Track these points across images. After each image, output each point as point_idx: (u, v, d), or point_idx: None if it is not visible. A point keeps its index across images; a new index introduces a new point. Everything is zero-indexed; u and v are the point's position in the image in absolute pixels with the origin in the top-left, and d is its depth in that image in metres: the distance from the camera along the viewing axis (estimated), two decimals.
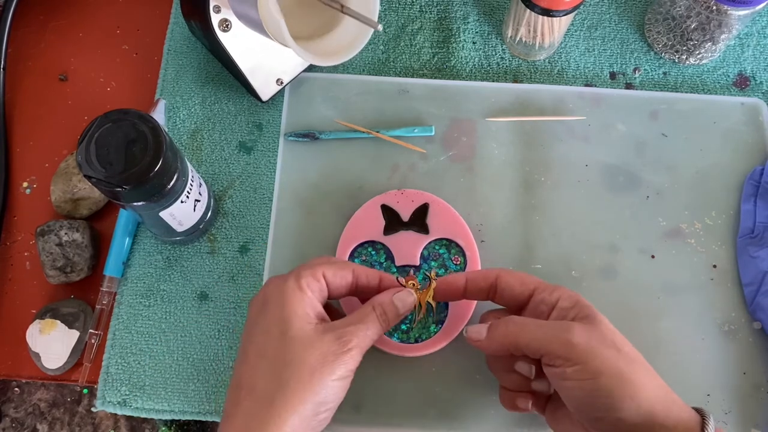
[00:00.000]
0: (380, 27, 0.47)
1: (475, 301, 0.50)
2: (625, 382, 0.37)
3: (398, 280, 0.51)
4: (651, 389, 0.38)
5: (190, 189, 0.47)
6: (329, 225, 0.53)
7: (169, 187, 0.44)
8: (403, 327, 0.50)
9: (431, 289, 0.49)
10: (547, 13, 0.53)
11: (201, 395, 0.50)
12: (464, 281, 0.45)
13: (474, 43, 0.61)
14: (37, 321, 0.51)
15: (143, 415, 0.50)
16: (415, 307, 0.50)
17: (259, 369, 0.38)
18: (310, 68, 0.58)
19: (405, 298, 0.43)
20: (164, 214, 0.46)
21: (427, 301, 0.50)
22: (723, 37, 0.56)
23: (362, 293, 0.45)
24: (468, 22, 0.61)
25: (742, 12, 0.52)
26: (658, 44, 0.60)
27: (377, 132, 0.56)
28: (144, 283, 0.53)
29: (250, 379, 0.38)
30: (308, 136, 0.56)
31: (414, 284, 0.51)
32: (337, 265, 0.43)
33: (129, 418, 0.59)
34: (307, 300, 0.40)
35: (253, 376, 0.38)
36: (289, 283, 0.40)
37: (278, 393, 0.37)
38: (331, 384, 0.38)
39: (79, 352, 0.51)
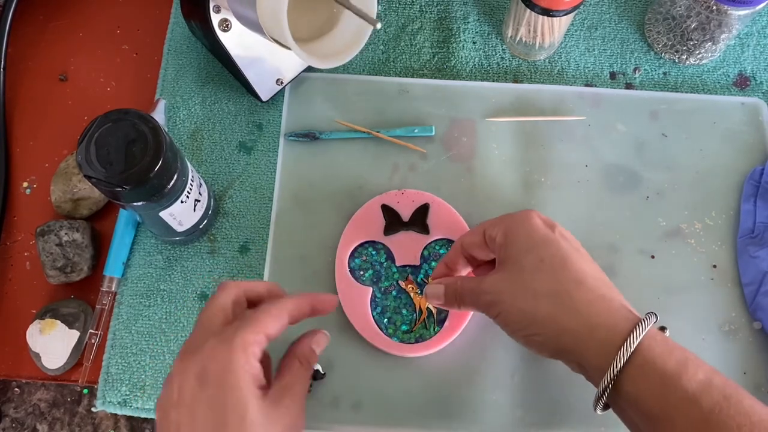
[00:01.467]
0: (379, 25, 0.47)
1: None
2: (539, 318, 0.40)
3: (398, 283, 0.51)
4: (575, 312, 0.39)
5: (190, 189, 0.47)
6: (329, 225, 0.53)
7: (169, 187, 0.44)
8: (404, 327, 0.50)
9: None
10: (547, 13, 0.53)
11: None
12: (451, 279, 0.47)
13: (474, 43, 0.61)
14: (37, 321, 0.51)
15: (143, 415, 0.50)
16: (416, 310, 0.51)
17: None
18: (310, 68, 0.58)
19: (320, 340, 0.42)
20: (164, 214, 0.46)
21: (427, 307, 0.50)
22: (723, 37, 0.56)
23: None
24: (468, 22, 0.61)
25: (742, 12, 0.52)
26: (658, 44, 0.60)
27: (377, 132, 0.56)
28: (144, 283, 0.53)
29: None
30: (308, 136, 0.56)
31: (413, 288, 0.51)
32: (275, 317, 0.38)
33: (129, 418, 0.59)
34: (257, 373, 0.36)
35: None
36: (238, 357, 0.35)
37: None
38: None
39: (79, 352, 0.51)
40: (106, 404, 0.50)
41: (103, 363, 0.51)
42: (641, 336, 0.37)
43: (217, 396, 0.35)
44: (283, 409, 0.36)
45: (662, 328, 0.41)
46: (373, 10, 0.48)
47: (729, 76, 0.60)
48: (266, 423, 0.35)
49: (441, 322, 0.50)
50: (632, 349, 0.37)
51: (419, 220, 0.52)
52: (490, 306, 0.43)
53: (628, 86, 0.59)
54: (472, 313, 0.50)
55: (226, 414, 0.34)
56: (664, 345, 0.37)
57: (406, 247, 0.52)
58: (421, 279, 0.51)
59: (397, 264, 0.52)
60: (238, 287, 0.39)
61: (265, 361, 0.38)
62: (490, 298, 0.42)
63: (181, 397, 0.35)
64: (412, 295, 0.51)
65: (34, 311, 0.53)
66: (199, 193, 0.49)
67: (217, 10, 0.49)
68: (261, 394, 0.36)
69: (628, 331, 0.37)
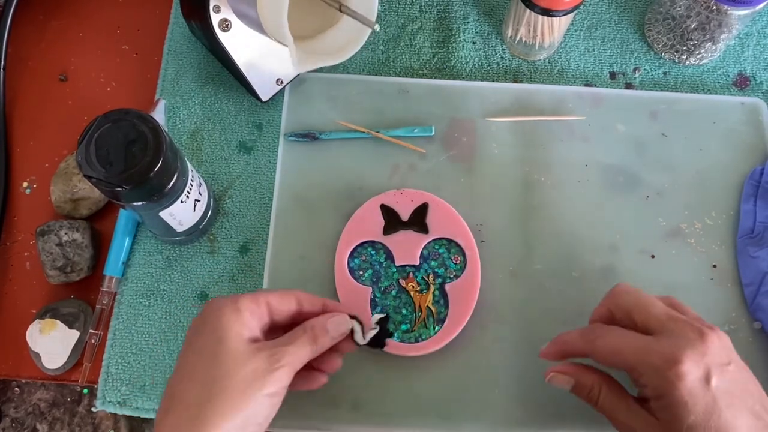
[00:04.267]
0: (377, 27, 0.47)
1: (475, 301, 0.50)
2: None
3: (398, 282, 0.51)
4: None
5: (190, 189, 0.47)
6: (329, 225, 0.53)
7: (169, 187, 0.44)
8: (404, 327, 0.50)
9: (431, 294, 0.50)
10: (547, 13, 0.53)
11: None
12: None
13: (474, 43, 0.61)
14: (37, 321, 0.51)
15: (143, 415, 0.50)
16: (416, 310, 0.50)
17: (190, 383, 0.39)
18: None
19: (339, 322, 0.43)
20: (164, 214, 0.47)
21: (427, 306, 0.50)
22: (723, 37, 0.56)
23: (308, 318, 0.44)
24: (468, 22, 0.61)
25: (742, 12, 0.52)
26: (658, 44, 0.60)
27: (377, 132, 0.56)
28: (144, 283, 0.53)
29: (180, 392, 0.39)
30: (308, 136, 0.56)
31: (414, 287, 0.51)
32: (280, 293, 0.42)
33: (129, 418, 0.59)
34: (242, 320, 0.40)
35: (184, 389, 0.39)
36: (226, 303, 0.40)
37: (207, 405, 0.37)
38: (260, 399, 0.38)
39: (79, 352, 0.51)
40: (106, 404, 0.50)
41: (103, 363, 0.51)
42: None
43: (202, 334, 0.40)
44: (260, 356, 0.39)
45: None
46: (373, 12, 0.48)
47: (729, 76, 0.60)
48: (236, 360, 0.38)
49: (441, 321, 0.50)
50: None
51: (418, 219, 0.52)
52: (623, 428, 0.41)
53: (628, 86, 0.59)
54: (471, 312, 0.50)
55: (205, 347, 0.39)
56: None
57: (406, 247, 0.52)
58: (421, 278, 0.51)
59: (397, 263, 0.52)
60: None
61: (270, 333, 0.42)
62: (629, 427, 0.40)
63: (185, 341, 0.41)
64: (412, 294, 0.51)
65: (34, 311, 0.53)
66: (199, 193, 0.49)
67: (217, 10, 0.49)
68: (244, 338, 0.39)
69: None
